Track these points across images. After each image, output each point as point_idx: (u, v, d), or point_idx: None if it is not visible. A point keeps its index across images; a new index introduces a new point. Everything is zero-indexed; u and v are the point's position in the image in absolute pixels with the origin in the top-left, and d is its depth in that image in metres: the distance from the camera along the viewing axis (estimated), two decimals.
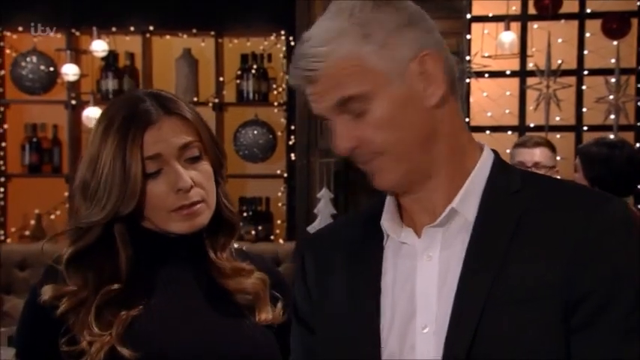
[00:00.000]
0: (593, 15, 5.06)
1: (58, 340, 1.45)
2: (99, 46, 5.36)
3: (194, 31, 5.67)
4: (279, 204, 5.73)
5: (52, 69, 5.66)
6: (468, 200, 1.21)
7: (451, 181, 1.22)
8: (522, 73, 5.13)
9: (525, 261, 1.15)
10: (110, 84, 5.63)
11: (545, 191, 1.22)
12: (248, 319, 1.54)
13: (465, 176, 1.23)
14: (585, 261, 1.13)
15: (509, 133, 5.13)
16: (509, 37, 4.96)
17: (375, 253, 1.26)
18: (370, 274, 1.25)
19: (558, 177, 3.84)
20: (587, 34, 5.08)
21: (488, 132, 5.13)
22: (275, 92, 5.72)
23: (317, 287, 1.31)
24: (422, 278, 1.20)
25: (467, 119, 5.06)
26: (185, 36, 5.73)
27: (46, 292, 1.47)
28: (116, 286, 1.47)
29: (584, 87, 5.08)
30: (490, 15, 5.14)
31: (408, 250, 1.24)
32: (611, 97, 4.96)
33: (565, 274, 1.13)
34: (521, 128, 5.13)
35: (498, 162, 1.26)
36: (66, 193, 5.65)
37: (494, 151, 1.28)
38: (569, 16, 5.09)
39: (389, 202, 1.27)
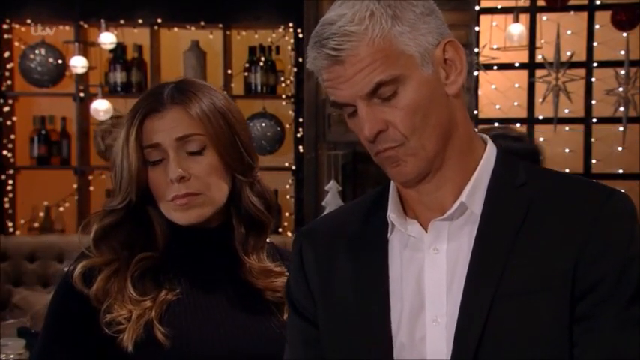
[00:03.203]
0: (603, 7, 5.04)
1: (95, 323, 1.45)
2: (107, 39, 5.36)
3: (202, 23, 5.67)
4: (287, 196, 5.74)
5: (60, 61, 5.67)
6: (475, 194, 1.21)
7: (459, 174, 1.22)
8: (531, 66, 5.11)
9: (533, 253, 1.16)
10: (118, 76, 5.63)
11: (550, 184, 1.22)
12: (276, 317, 1.54)
13: (471, 170, 1.23)
14: (593, 253, 1.14)
15: (518, 125, 5.11)
16: (517, 29, 4.94)
17: (380, 245, 1.25)
18: (377, 265, 1.24)
19: None
20: (597, 26, 5.06)
21: (496, 124, 5.12)
22: (283, 85, 5.72)
23: (318, 277, 1.30)
24: (430, 271, 1.21)
25: (475, 112, 5.05)
26: (193, 28, 5.72)
27: (79, 266, 1.49)
28: (151, 253, 1.50)
29: (593, 79, 5.06)
30: (499, 7, 5.12)
31: (414, 243, 1.23)
32: (621, 89, 4.94)
33: (573, 266, 1.14)
34: (529, 121, 5.12)
35: (502, 156, 1.26)
36: (74, 185, 5.67)
37: (496, 144, 1.28)
38: (578, 8, 5.07)
39: (393, 194, 1.26)
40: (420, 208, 1.24)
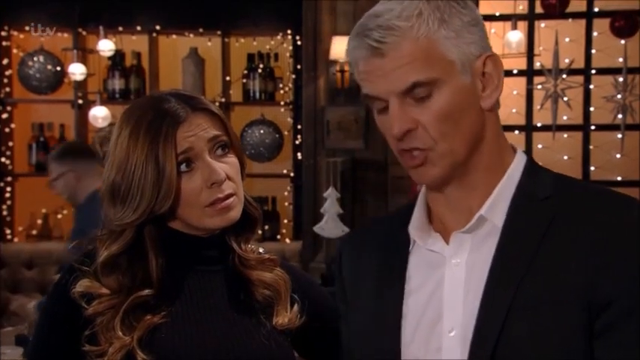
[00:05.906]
0: (601, 14, 5.04)
1: (80, 337, 1.45)
2: (105, 46, 5.36)
3: (200, 30, 5.67)
4: (286, 203, 5.73)
5: (58, 68, 5.67)
6: (497, 206, 1.21)
7: (486, 185, 1.22)
8: (530, 73, 5.12)
9: (552, 267, 1.15)
10: (117, 83, 5.64)
11: (575, 197, 1.21)
12: (265, 327, 1.54)
13: (497, 182, 1.23)
14: (611, 266, 1.12)
15: (517, 132, 5.11)
16: (516, 36, 4.94)
17: (401, 259, 1.27)
18: (395, 279, 1.26)
19: None
20: (595, 33, 5.07)
21: None
22: (281, 92, 5.72)
23: (351, 289, 1.35)
24: (449, 283, 1.21)
25: None
26: (192, 35, 5.73)
27: (82, 285, 1.48)
28: (147, 291, 1.48)
29: (591, 86, 5.07)
30: (497, 14, 5.12)
31: (434, 257, 1.24)
32: (619, 96, 4.94)
33: (591, 279, 1.12)
34: (528, 128, 5.12)
35: (530, 166, 1.25)
36: None
37: (526, 154, 1.28)
38: (576, 15, 5.08)
39: (419, 207, 1.27)
40: (446, 218, 1.25)
